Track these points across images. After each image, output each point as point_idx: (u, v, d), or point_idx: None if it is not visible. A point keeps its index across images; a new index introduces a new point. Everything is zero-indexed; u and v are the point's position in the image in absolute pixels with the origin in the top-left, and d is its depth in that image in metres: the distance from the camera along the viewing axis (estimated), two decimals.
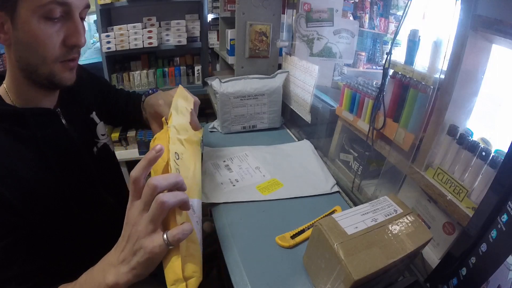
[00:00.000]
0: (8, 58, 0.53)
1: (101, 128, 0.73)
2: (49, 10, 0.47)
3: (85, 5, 0.52)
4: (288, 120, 1.20)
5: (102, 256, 0.48)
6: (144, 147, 1.88)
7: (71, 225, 0.58)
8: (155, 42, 1.68)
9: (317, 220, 0.64)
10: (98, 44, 1.70)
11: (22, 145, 0.52)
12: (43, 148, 0.54)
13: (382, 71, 0.68)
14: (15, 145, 0.52)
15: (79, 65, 0.69)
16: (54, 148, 0.57)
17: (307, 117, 0.99)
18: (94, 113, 0.73)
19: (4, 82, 0.56)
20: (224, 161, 0.90)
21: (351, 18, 1.21)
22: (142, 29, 1.66)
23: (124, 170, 2.00)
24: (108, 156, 0.74)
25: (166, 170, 0.49)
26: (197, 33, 1.77)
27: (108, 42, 1.62)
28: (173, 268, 0.43)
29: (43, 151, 0.54)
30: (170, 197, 0.41)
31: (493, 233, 0.39)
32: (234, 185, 0.79)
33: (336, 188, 0.79)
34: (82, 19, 0.54)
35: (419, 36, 0.62)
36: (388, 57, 0.66)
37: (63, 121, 0.62)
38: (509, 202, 0.37)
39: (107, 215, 0.66)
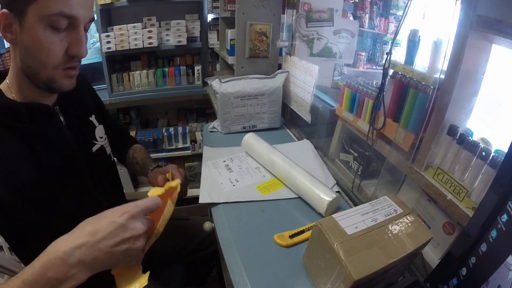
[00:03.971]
0: (12, 56, 0.55)
1: (99, 131, 0.74)
2: (56, 21, 0.49)
3: (90, 19, 0.55)
4: (288, 120, 1.20)
5: None
6: (143, 147, 1.86)
7: (61, 221, 0.58)
8: (155, 42, 1.68)
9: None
10: (98, 44, 1.70)
11: (14, 137, 0.54)
12: (34, 142, 0.56)
13: (382, 71, 0.68)
14: (7, 137, 0.53)
15: (83, 75, 0.70)
16: (46, 143, 0.58)
17: (307, 117, 0.99)
18: (93, 116, 0.74)
19: (7, 77, 0.58)
20: (224, 161, 0.90)
21: (351, 18, 1.21)
22: (142, 29, 1.66)
23: (123, 170, 2.00)
24: (104, 158, 0.75)
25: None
26: (197, 33, 1.77)
27: (108, 42, 1.62)
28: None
29: (34, 146, 0.56)
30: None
31: (493, 233, 0.39)
32: (234, 185, 0.79)
33: (336, 188, 0.79)
34: (86, 30, 0.57)
35: (419, 36, 0.62)
36: (388, 57, 0.66)
37: (61, 118, 0.63)
38: (509, 202, 0.37)
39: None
